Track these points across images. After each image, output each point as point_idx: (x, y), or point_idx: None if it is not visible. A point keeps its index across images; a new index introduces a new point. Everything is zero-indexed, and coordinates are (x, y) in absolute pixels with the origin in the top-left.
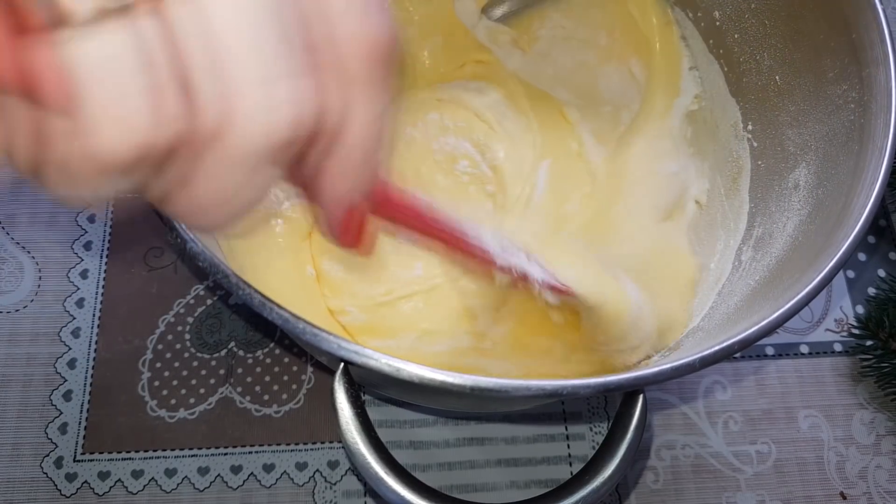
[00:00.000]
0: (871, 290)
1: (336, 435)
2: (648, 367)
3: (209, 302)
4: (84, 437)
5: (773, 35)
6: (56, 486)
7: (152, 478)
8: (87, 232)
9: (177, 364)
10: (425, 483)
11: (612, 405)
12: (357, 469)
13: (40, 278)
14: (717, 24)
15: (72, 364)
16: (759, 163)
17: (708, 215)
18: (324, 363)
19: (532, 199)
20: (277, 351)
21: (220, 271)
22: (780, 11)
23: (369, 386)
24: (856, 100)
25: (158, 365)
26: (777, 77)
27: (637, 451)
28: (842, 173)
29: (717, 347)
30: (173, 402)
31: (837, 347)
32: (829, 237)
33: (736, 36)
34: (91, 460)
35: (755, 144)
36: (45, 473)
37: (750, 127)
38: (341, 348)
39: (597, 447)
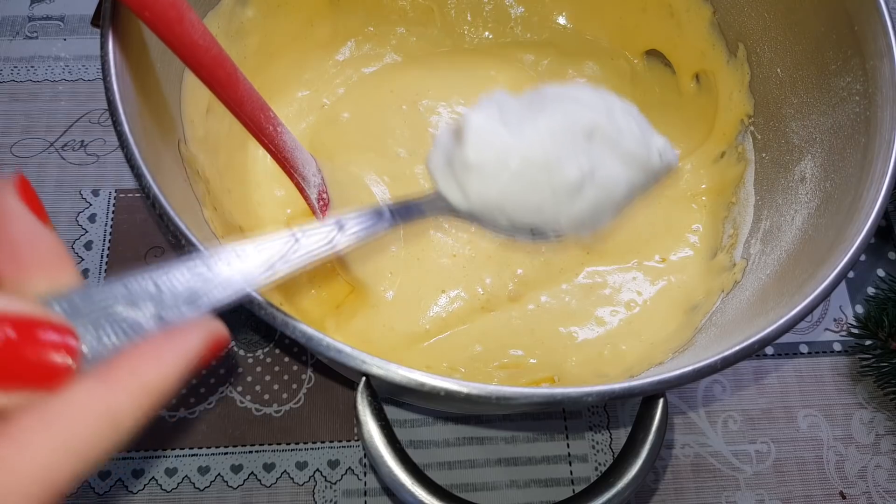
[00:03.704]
0: (871, 290)
1: (336, 434)
2: (671, 371)
3: None
4: None
5: (772, 28)
6: None
7: (152, 477)
8: (87, 232)
9: None
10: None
11: (612, 405)
12: (384, 481)
13: None
14: (716, 17)
15: None
16: (764, 155)
17: None
18: (334, 368)
19: None
20: (277, 350)
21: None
22: (779, 4)
23: (386, 393)
24: (860, 92)
25: None
26: (778, 69)
27: (659, 452)
28: (849, 166)
29: (737, 347)
30: (173, 401)
31: (837, 347)
32: (841, 231)
33: (736, 29)
34: None
35: (759, 137)
36: None
37: (753, 119)
38: (365, 363)
39: (595, 446)
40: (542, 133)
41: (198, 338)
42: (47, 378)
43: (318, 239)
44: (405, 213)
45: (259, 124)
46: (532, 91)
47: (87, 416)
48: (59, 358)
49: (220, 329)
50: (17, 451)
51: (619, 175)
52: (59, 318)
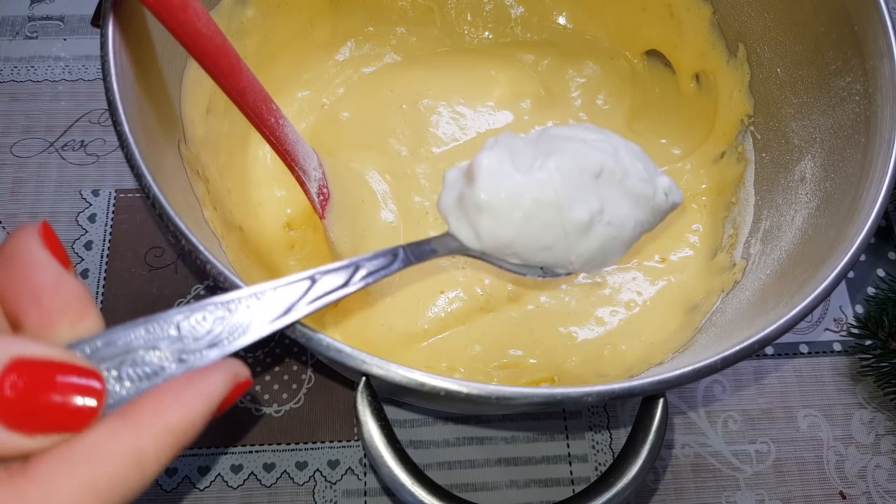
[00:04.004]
0: (871, 290)
1: (336, 434)
2: (671, 371)
3: None
4: None
5: (772, 28)
6: None
7: None
8: (87, 232)
9: None
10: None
11: (611, 404)
12: (384, 481)
13: None
14: (716, 17)
15: None
16: (764, 155)
17: None
18: (334, 368)
19: None
20: (278, 350)
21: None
22: (779, 4)
23: (386, 393)
24: (860, 92)
25: None
26: (778, 69)
27: (659, 452)
28: (849, 166)
29: (737, 347)
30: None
31: (837, 347)
32: (841, 231)
33: (736, 29)
34: None
35: (758, 137)
36: None
37: (753, 119)
38: (365, 363)
39: (595, 446)
40: (552, 174)
41: (220, 380)
42: (71, 421)
43: (335, 280)
44: (418, 253)
45: (261, 116)
46: (538, 131)
47: (113, 458)
48: (83, 401)
49: (242, 370)
50: (44, 494)
51: (627, 214)
52: (82, 361)
